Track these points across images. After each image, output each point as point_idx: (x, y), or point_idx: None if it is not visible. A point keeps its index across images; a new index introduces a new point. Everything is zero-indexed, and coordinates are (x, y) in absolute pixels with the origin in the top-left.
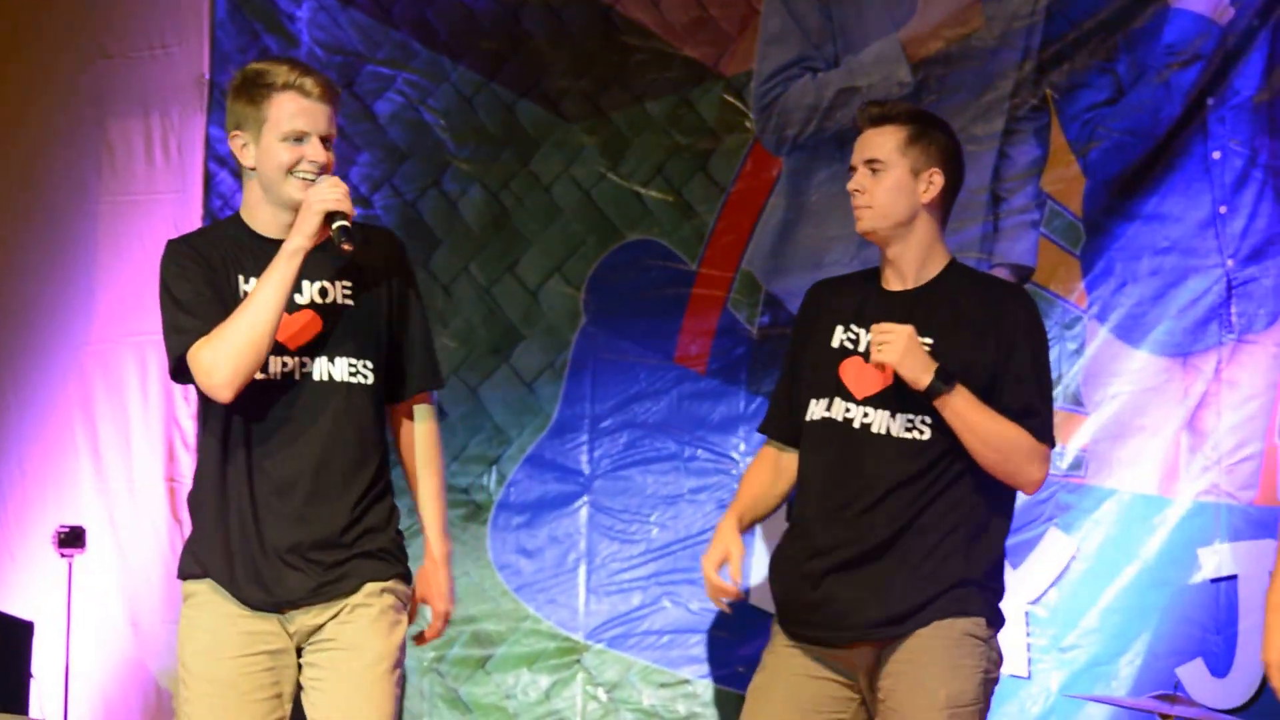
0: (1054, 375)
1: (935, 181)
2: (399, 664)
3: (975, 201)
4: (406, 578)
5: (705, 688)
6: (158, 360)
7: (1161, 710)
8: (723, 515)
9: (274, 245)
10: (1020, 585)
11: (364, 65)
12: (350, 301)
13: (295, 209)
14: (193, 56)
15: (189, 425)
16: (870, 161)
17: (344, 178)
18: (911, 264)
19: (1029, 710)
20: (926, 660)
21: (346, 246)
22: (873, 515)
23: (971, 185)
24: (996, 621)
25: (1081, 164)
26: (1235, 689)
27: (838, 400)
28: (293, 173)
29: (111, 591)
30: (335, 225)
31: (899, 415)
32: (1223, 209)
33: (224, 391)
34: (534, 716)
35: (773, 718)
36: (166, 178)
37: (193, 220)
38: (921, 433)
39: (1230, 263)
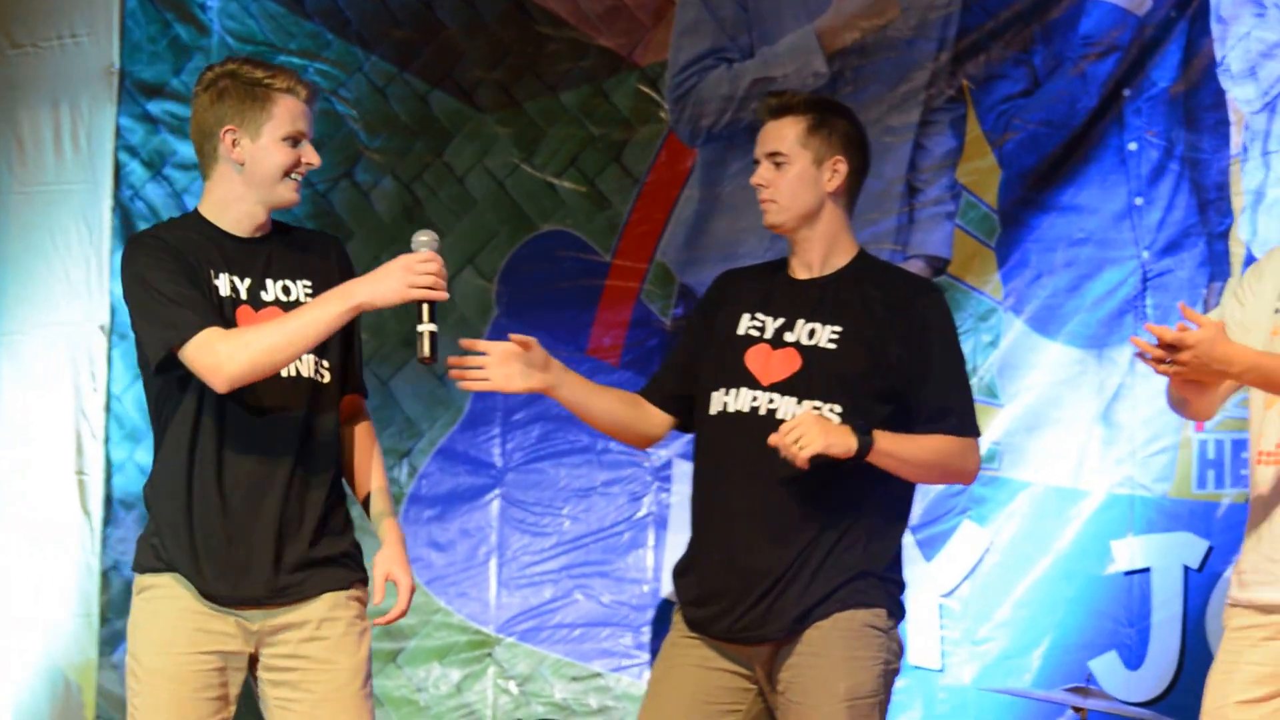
0: (969, 367)
1: (839, 170)
2: (370, 675)
3: (890, 193)
4: (366, 582)
5: (617, 681)
6: (67, 351)
7: (1074, 703)
8: None
9: (246, 244)
10: (933, 578)
11: (275, 55)
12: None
13: (277, 209)
14: (102, 46)
15: (98, 416)
16: (773, 154)
17: None
18: (818, 253)
19: (941, 703)
20: (826, 652)
21: (427, 359)
22: (789, 508)
23: (887, 176)
24: (896, 613)
25: (997, 155)
26: (1148, 681)
27: (744, 389)
28: (290, 175)
29: (18, 585)
30: (425, 331)
31: (805, 402)
32: (1139, 201)
33: (225, 385)
34: (445, 710)
35: (670, 709)
36: (76, 168)
37: (102, 212)
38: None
39: (1146, 255)
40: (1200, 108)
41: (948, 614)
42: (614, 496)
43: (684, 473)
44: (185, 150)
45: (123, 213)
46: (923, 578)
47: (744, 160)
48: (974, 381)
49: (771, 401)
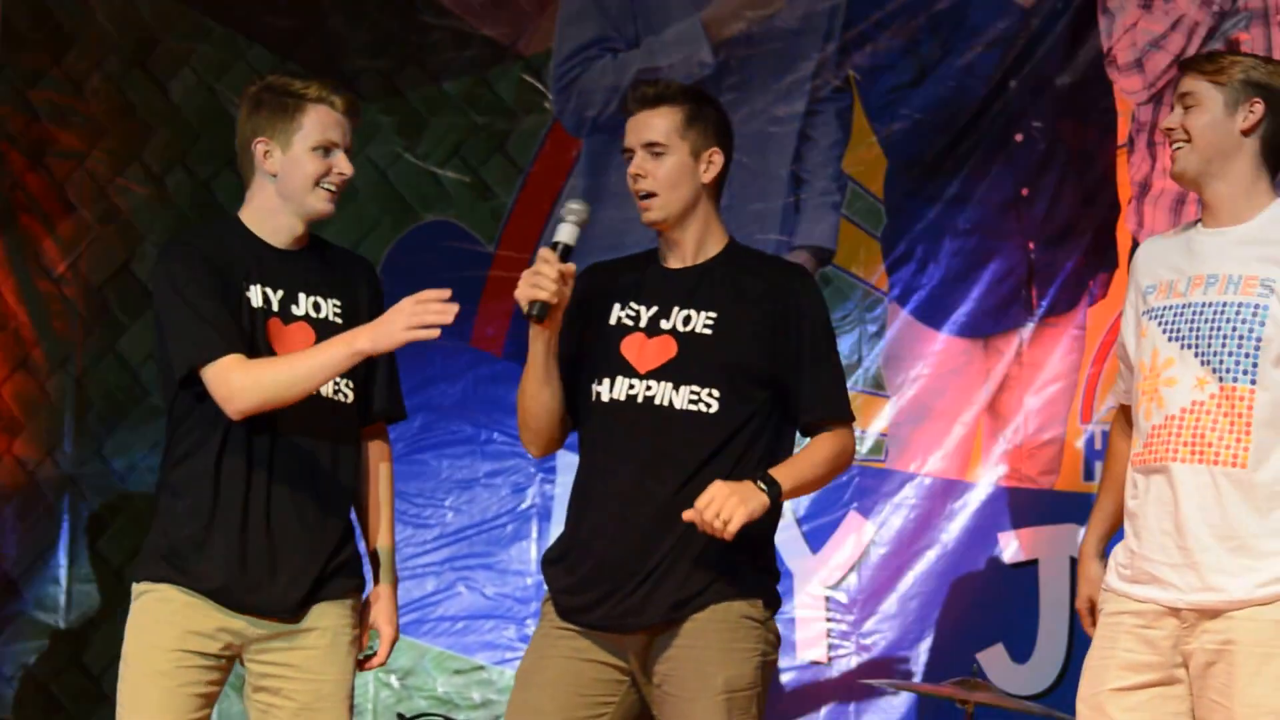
0: (855, 358)
1: (715, 161)
2: (352, 685)
3: (776, 183)
4: (361, 588)
5: (500, 674)
6: None
7: (960, 696)
8: None
9: (283, 256)
10: (820, 570)
11: (158, 42)
12: (339, 320)
13: (312, 219)
14: None
15: None
16: (650, 145)
17: (136, 157)
18: (692, 244)
19: (829, 697)
20: (703, 644)
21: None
22: (667, 498)
23: (773, 167)
24: (773, 603)
25: (883, 146)
26: (1036, 674)
27: (620, 378)
28: (320, 184)
29: None
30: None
31: (683, 388)
32: (1025, 192)
33: (236, 415)
34: None
35: (542, 701)
36: None
37: None
38: (708, 405)
39: (1032, 245)
40: (1086, 99)
41: (835, 606)
42: (497, 488)
43: (568, 464)
44: (65, 139)
45: (2, 203)
46: (809, 570)
47: None
48: (860, 373)
49: (649, 389)
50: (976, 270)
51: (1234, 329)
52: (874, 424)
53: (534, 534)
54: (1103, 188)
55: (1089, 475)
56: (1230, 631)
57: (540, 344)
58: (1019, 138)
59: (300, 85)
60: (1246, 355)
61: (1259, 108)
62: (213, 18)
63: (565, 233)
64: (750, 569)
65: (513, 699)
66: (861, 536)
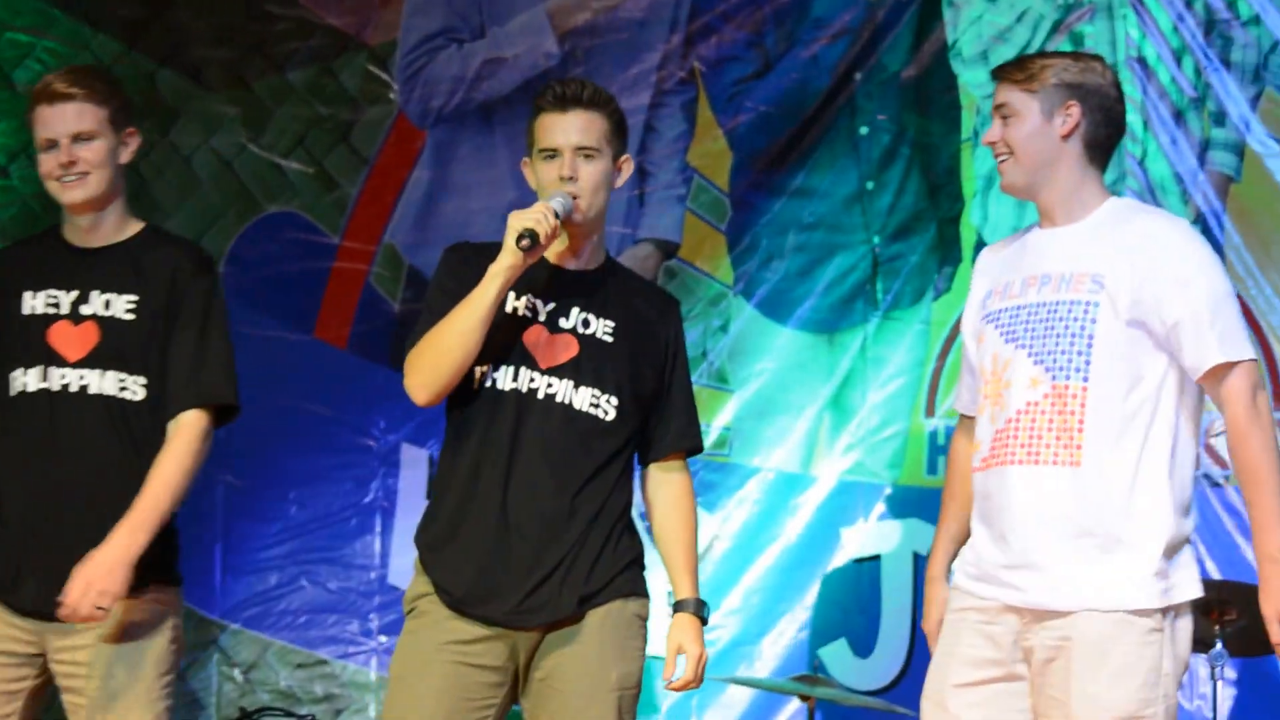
0: (699, 352)
1: (626, 169)
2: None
3: None
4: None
5: (343, 668)
6: None
7: (802, 692)
8: None
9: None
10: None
11: (3, 32)
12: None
13: (73, 212)
14: None
15: None
16: (583, 149)
17: None
18: (589, 249)
19: (670, 692)
20: (598, 641)
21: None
22: (576, 499)
23: None
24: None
25: (728, 138)
26: (878, 669)
27: (522, 369)
28: (58, 179)
29: None
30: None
31: (583, 389)
32: (870, 185)
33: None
34: None
35: (427, 706)
36: None
37: None
38: (606, 413)
39: (877, 239)
40: (932, 92)
41: None
42: (340, 481)
43: (412, 458)
44: None
45: None
46: (651, 565)
47: (474, 141)
48: (705, 367)
49: (550, 385)
50: (821, 264)
51: (1066, 327)
52: (718, 418)
53: (378, 528)
54: (947, 181)
55: (932, 470)
56: (1068, 629)
57: (505, 280)
58: (864, 130)
59: (36, 86)
60: (1079, 353)
61: (1075, 110)
62: (59, 7)
63: (559, 202)
64: (640, 567)
65: (394, 699)
66: (705, 531)
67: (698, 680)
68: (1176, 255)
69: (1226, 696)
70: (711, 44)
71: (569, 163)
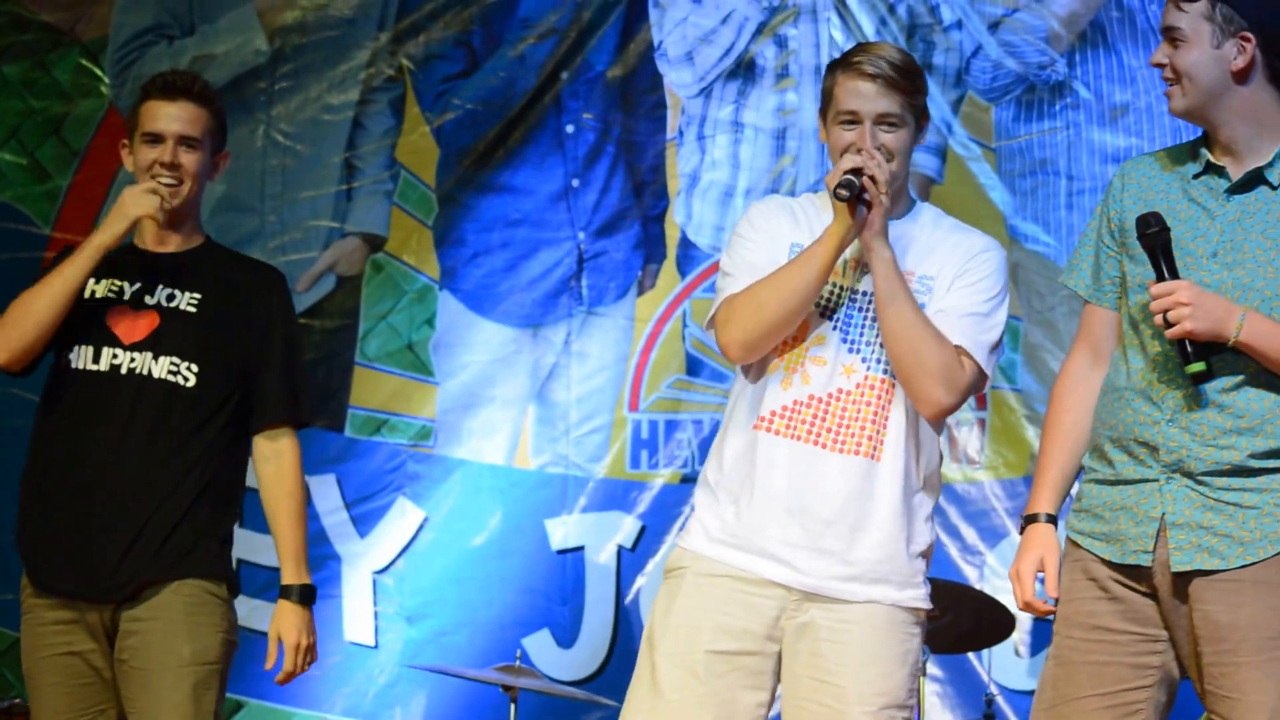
0: (405, 343)
1: (223, 165)
2: None
3: (329, 170)
4: None
5: None
6: None
7: (505, 682)
8: None
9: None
10: (368, 554)
11: None
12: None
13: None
14: None
15: None
16: (186, 138)
17: None
18: (181, 231)
19: (377, 680)
20: (169, 617)
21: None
22: (141, 470)
23: (326, 154)
24: (235, 587)
25: (435, 135)
26: (581, 660)
27: (105, 349)
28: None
29: None
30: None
31: (162, 358)
32: (575, 183)
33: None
34: None
35: (58, 704)
36: None
37: None
38: (186, 379)
39: (582, 236)
40: (637, 92)
41: (383, 590)
42: None
43: None
44: None
45: None
46: (358, 554)
47: None
48: (410, 360)
49: (132, 360)
50: (526, 260)
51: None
52: (423, 410)
53: None
54: (652, 179)
55: (635, 463)
56: (847, 612)
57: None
58: (570, 129)
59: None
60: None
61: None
62: None
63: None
64: (217, 554)
65: (31, 697)
66: (410, 521)
67: (300, 668)
68: None
69: (930, 692)
70: (420, 42)
71: (171, 149)
